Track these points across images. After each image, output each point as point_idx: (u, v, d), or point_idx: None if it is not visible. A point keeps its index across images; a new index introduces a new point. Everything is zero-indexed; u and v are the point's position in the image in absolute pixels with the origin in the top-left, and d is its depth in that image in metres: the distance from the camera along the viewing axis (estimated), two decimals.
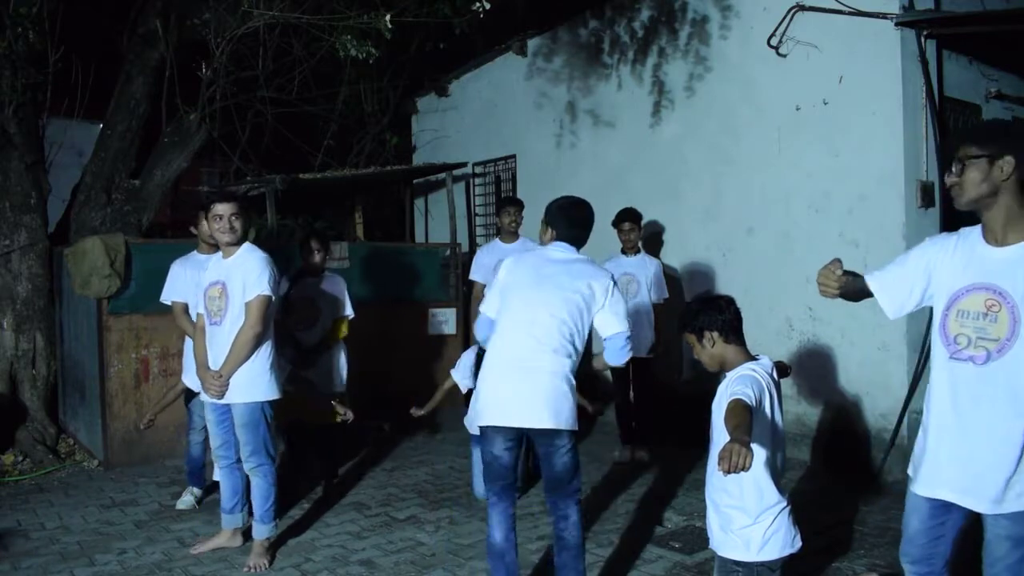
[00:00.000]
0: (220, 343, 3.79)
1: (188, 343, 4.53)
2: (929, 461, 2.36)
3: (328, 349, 4.85)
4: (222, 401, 3.81)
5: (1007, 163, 2.17)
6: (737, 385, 2.39)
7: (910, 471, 2.49)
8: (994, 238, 2.25)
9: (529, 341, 3.07)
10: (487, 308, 3.29)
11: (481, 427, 3.18)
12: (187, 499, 4.83)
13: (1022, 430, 2.18)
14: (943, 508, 2.36)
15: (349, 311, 4.90)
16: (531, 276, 3.19)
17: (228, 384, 3.75)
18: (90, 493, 5.19)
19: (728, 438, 2.06)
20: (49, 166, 6.65)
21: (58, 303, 6.57)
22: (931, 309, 2.38)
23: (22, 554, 4.10)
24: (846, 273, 2.45)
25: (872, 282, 2.47)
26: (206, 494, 4.93)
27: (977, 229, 2.31)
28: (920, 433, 2.44)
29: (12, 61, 5.85)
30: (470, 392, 4.42)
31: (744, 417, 2.18)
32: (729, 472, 1.95)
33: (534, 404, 3.05)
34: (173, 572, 3.83)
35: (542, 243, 3.40)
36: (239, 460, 3.94)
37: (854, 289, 2.49)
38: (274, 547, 4.03)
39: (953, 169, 2.25)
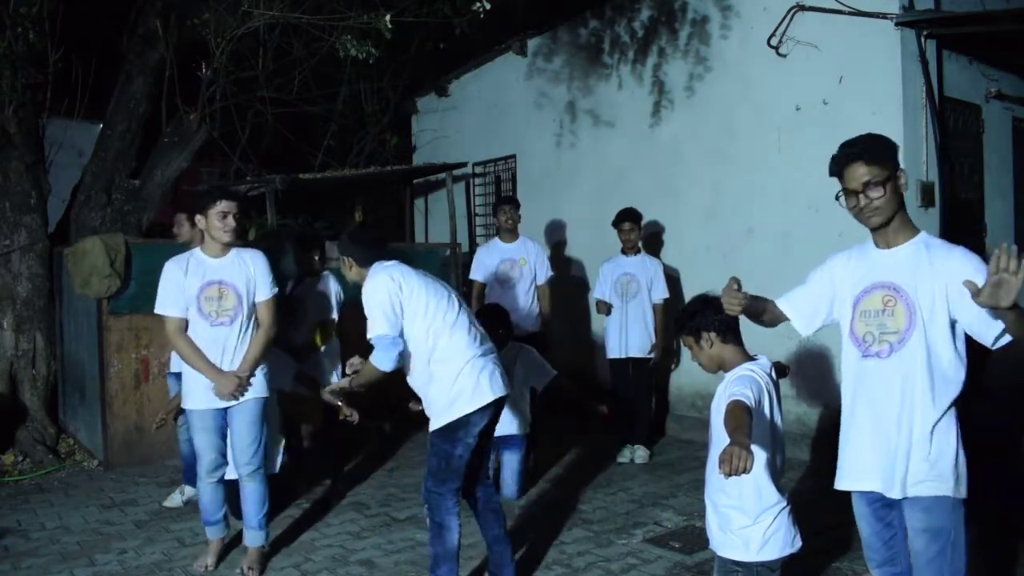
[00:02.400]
0: (233, 344, 3.68)
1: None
2: (849, 457, 2.50)
3: (315, 349, 4.83)
4: (230, 403, 3.69)
5: (903, 175, 2.39)
6: (736, 386, 2.39)
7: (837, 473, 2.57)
8: (885, 243, 2.43)
9: None
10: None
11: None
12: (176, 498, 4.84)
13: (927, 415, 2.31)
14: (884, 508, 2.46)
15: (333, 315, 4.83)
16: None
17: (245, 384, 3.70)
18: (90, 493, 5.19)
19: (728, 440, 2.06)
20: (49, 166, 6.65)
21: (58, 303, 6.57)
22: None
23: (22, 554, 4.10)
24: (753, 297, 2.57)
25: (782, 304, 2.66)
26: None
27: (869, 241, 2.50)
28: (841, 435, 2.54)
29: (12, 61, 5.85)
30: None
31: (743, 419, 2.18)
32: (730, 475, 1.95)
33: None
34: (173, 572, 3.83)
35: (350, 277, 3.43)
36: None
37: (770, 315, 2.66)
38: (268, 555, 3.97)
39: (865, 191, 2.35)
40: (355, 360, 3.32)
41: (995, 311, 2.10)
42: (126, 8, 6.87)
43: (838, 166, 2.41)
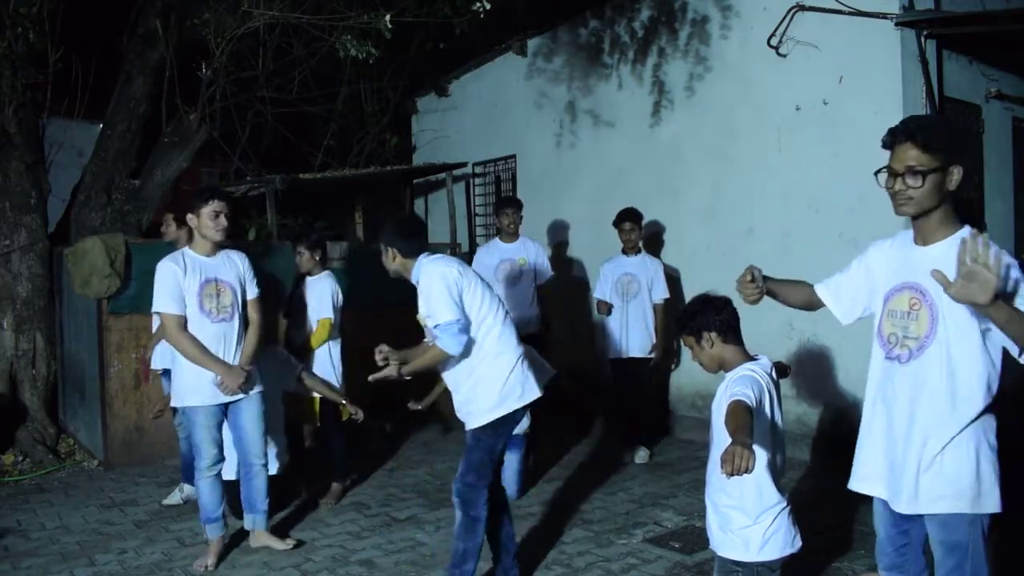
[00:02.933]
0: (234, 339, 3.83)
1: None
2: (863, 458, 2.42)
3: (311, 351, 4.83)
4: (235, 397, 3.80)
5: (957, 171, 2.18)
6: (737, 386, 2.38)
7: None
8: (922, 239, 2.28)
9: None
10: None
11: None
12: (175, 496, 4.86)
13: (943, 430, 2.20)
14: (904, 518, 2.36)
15: (328, 312, 4.84)
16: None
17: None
18: (90, 493, 5.19)
19: (729, 439, 2.06)
20: (49, 166, 6.66)
21: (58, 303, 6.57)
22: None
23: (22, 554, 4.10)
24: (778, 280, 2.55)
25: (821, 291, 2.55)
26: None
27: (910, 232, 2.34)
28: (860, 432, 2.48)
29: (12, 61, 5.85)
30: None
31: (745, 419, 2.18)
32: (732, 475, 1.95)
33: None
34: (173, 572, 3.84)
35: (392, 268, 3.42)
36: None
37: (804, 299, 2.58)
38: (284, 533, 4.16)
39: (902, 175, 2.18)
40: (384, 347, 3.25)
41: (978, 310, 1.97)
42: (126, 8, 6.87)
43: (891, 139, 2.22)
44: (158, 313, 3.79)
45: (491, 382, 3.24)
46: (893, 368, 2.31)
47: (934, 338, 2.21)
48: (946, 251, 2.18)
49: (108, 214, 6.54)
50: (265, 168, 8.64)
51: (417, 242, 3.38)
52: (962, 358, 2.18)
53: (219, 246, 3.85)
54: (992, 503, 2.21)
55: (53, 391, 6.53)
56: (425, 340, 3.35)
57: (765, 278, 2.51)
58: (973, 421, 2.19)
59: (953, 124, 2.29)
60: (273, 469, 4.34)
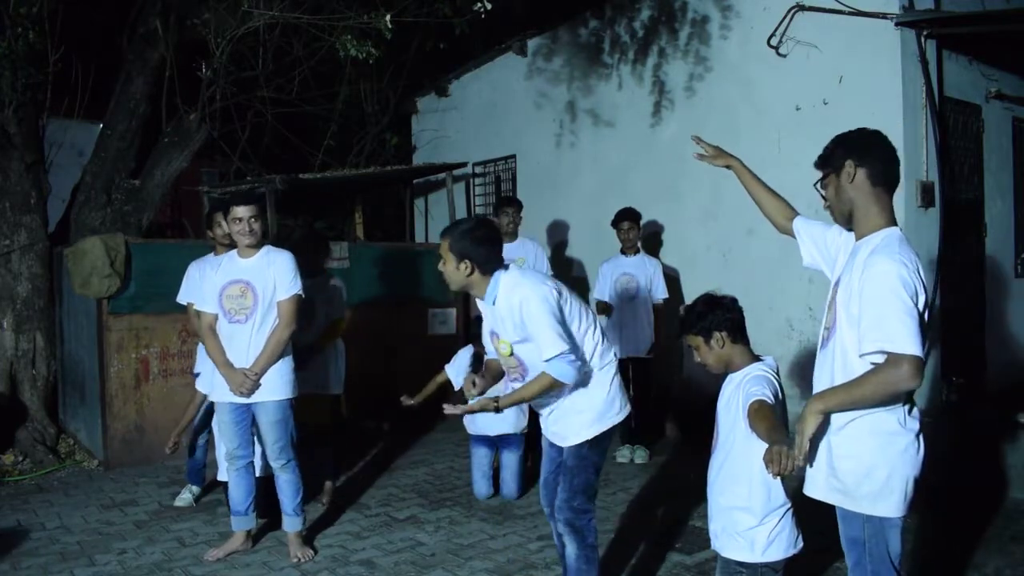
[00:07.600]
0: (244, 341, 3.81)
1: (203, 349, 4.29)
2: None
3: (321, 350, 4.83)
4: (249, 400, 3.82)
5: (849, 166, 2.28)
6: (754, 386, 2.36)
7: None
8: (857, 236, 2.32)
9: None
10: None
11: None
12: (186, 496, 4.86)
13: (834, 420, 2.19)
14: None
15: (341, 313, 4.83)
16: None
17: (259, 382, 3.80)
18: (90, 493, 5.18)
19: (742, 439, 2.05)
20: (49, 166, 6.66)
21: (58, 303, 6.57)
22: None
23: (22, 554, 4.09)
24: (762, 184, 2.80)
25: (798, 224, 2.64)
26: (204, 493, 4.96)
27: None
28: None
29: (12, 61, 5.85)
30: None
31: (774, 419, 2.20)
32: (779, 475, 1.96)
33: None
34: (173, 572, 3.83)
35: (457, 280, 2.96)
36: (252, 462, 4.01)
37: (774, 210, 2.73)
38: (308, 538, 4.13)
39: (823, 194, 2.40)
40: (476, 378, 2.96)
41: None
42: (126, 8, 6.87)
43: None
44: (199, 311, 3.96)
45: (596, 395, 3.00)
46: (819, 356, 2.35)
47: (835, 330, 2.24)
48: (860, 247, 2.25)
49: (108, 214, 6.54)
50: (265, 168, 8.63)
51: (497, 253, 2.93)
52: (850, 353, 2.18)
53: (259, 247, 3.84)
54: (886, 507, 2.16)
55: (53, 391, 6.52)
56: (507, 365, 3.02)
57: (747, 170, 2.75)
58: (862, 418, 2.15)
59: (852, 132, 2.42)
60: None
